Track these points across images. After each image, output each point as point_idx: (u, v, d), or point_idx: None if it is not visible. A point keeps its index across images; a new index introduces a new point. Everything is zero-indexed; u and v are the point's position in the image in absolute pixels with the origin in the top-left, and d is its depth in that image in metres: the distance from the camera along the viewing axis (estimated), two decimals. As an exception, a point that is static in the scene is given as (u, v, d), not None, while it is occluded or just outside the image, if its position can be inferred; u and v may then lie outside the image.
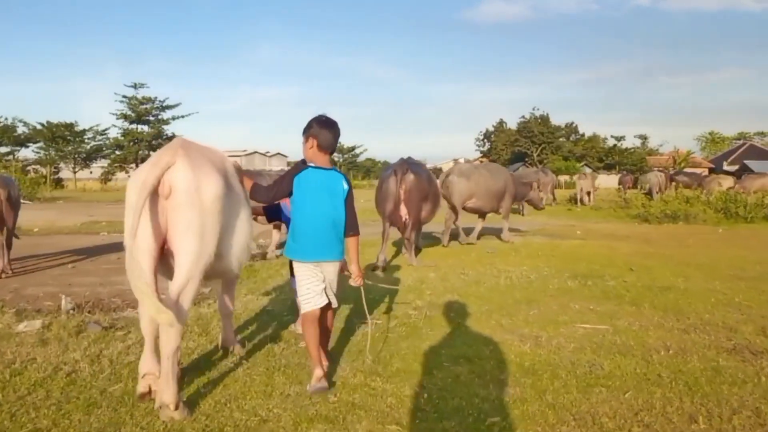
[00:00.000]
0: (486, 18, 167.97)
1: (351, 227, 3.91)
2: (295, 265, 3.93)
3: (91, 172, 58.67)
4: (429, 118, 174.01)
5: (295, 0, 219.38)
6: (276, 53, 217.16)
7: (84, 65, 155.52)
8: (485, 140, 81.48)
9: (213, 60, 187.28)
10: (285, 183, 3.85)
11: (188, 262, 3.28)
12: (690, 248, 11.16)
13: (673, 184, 26.89)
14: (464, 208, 11.44)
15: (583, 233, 14.11)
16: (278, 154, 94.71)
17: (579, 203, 25.45)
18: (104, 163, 57.52)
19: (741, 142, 76.05)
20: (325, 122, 3.90)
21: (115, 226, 15.48)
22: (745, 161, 63.88)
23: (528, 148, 73.11)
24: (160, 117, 56.47)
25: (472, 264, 9.13)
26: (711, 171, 58.00)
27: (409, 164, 9.24)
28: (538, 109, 75.64)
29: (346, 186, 3.89)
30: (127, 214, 3.21)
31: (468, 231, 12.02)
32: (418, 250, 9.95)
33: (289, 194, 3.85)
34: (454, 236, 11.67)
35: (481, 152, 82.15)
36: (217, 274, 3.89)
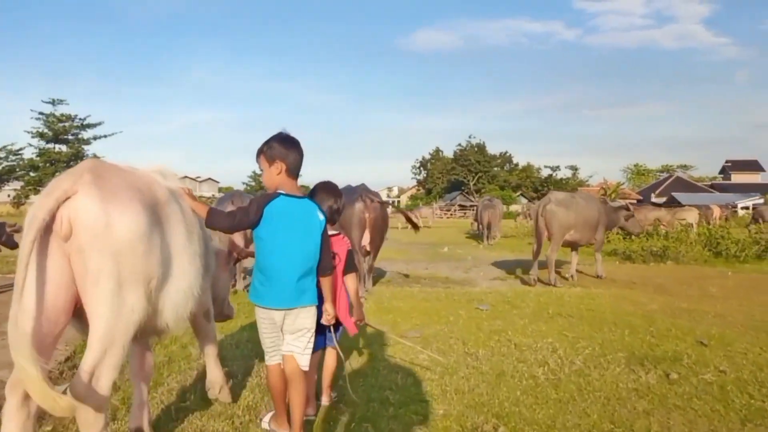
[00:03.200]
0: (420, 47, 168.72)
1: (326, 265, 3.37)
2: (259, 312, 3.32)
3: (9, 195, 53.10)
4: (364, 145, 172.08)
5: (232, 24, 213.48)
6: (212, 76, 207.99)
7: (3, 81, 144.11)
8: (421, 168, 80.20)
9: (146, 81, 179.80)
10: (253, 211, 3.18)
11: (102, 326, 2.46)
12: (726, 301, 8.86)
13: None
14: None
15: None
16: (209, 179, 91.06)
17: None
18: (18, 185, 52.17)
19: (667, 174, 78.25)
20: (290, 141, 3.33)
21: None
22: (673, 193, 65.26)
23: (464, 177, 72.28)
24: (80, 136, 52.17)
25: (470, 332, 6.40)
26: (639, 202, 58.61)
27: (371, 192, 9.13)
28: (474, 137, 75.18)
29: (321, 217, 3.35)
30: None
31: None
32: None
33: (255, 225, 3.20)
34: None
35: (417, 180, 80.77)
36: (151, 332, 3.02)
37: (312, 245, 3.27)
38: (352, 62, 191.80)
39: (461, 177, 72.16)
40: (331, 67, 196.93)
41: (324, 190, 3.76)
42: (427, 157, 79.54)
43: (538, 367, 5.13)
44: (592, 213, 10.98)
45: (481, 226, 23.22)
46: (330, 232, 3.68)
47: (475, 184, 70.72)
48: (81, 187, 2.45)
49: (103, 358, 2.47)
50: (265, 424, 3.64)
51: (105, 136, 53.03)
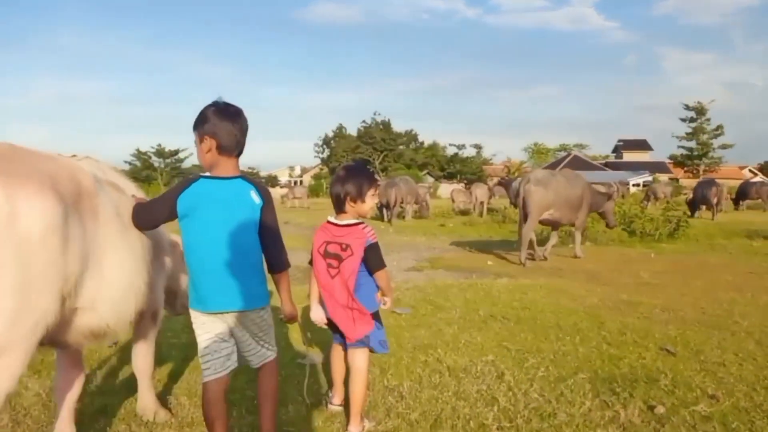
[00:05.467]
0: (319, 19, 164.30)
1: (276, 259, 2.87)
2: (193, 316, 2.84)
3: None
4: (261, 123, 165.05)
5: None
6: (84, 42, 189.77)
7: None
8: (324, 146, 78.15)
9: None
10: (169, 198, 2.76)
11: None
12: (665, 289, 8.08)
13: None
14: (540, 221, 10.60)
15: (495, 264, 10.67)
16: (88, 157, 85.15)
17: (480, 215, 23.79)
18: None
19: (565, 153, 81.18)
20: (225, 112, 2.79)
21: None
22: (571, 171, 67.76)
23: (370, 155, 71.15)
24: None
25: (389, 351, 4.99)
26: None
27: None
28: (379, 114, 74.13)
29: (258, 200, 2.78)
30: None
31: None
32: None
33: (173, 217, 2.77)
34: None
35: (321, 159, 78.70)
36: (86, 334, 2.70)
37: (245, 235, 2.74)
38: (246, 32, 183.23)
39: (366, 155, 70.95)
40: (222, 37, 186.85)
41: (354, 171, 3.39)
42: (330, 134, 77.56)
43: (485, 406, 3.81)
44: (574, 192, 10.61)
45: (386, 206, 22.06)
46: (348, 222, 3.29)
47: (380, 163, 69.89)
48: None
49: None
50: None
51: None
